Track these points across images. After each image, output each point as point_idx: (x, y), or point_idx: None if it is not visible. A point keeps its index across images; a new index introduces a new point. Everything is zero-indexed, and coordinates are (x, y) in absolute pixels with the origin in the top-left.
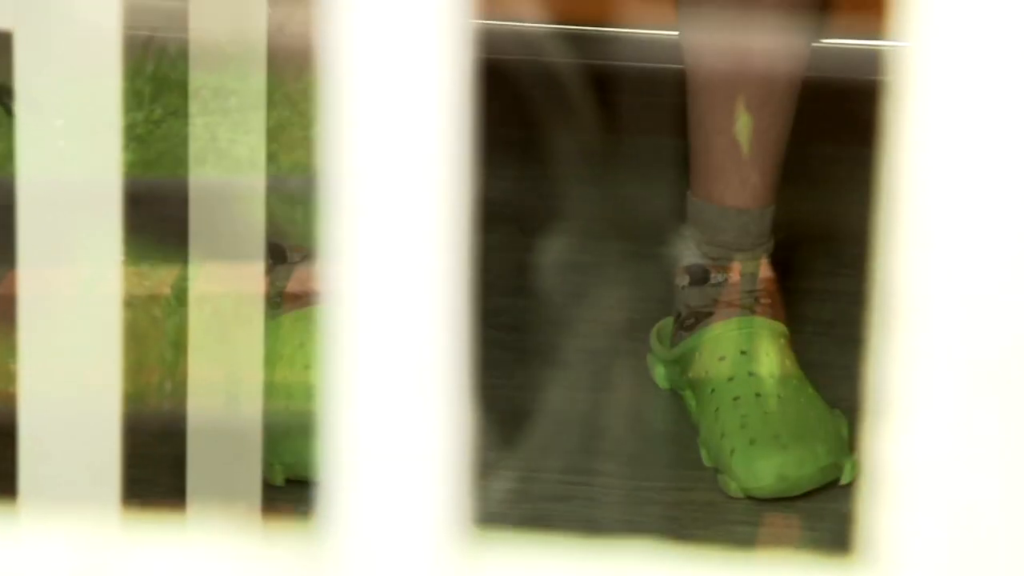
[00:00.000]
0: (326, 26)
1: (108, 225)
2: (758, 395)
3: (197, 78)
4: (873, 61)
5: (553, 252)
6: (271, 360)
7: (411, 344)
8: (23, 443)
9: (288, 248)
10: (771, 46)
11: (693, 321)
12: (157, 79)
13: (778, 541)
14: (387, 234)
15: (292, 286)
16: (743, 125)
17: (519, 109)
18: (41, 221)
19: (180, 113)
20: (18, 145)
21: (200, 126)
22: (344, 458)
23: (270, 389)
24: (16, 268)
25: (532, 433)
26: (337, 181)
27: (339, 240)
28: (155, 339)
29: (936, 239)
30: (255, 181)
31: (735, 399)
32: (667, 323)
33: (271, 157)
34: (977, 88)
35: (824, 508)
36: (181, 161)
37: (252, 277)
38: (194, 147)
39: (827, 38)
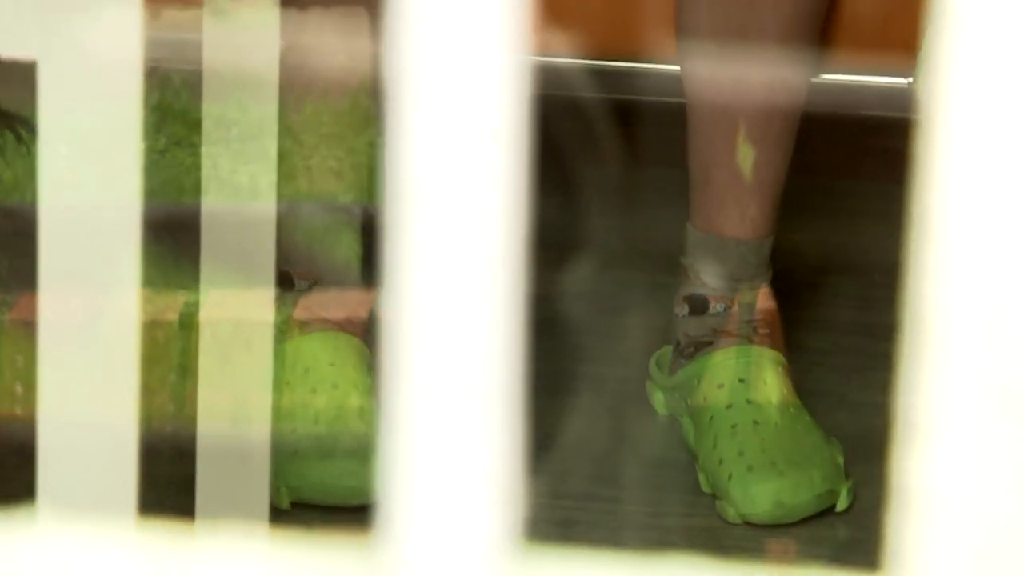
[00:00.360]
0: (389, 63)
1: (127, 251)
2: (756, 423)
3: (207, 108)
4: (877, 97)
5: (559, 280)
6: (276, 386)
7: (467, 365)
8: (41, 463)
9: (295, 275)
10: (771, 79)
11: (692, 350)
12: (162, 109)
13: (775, 566)
14: (446, 259)
15: (298, 313)
16: (743, 156)
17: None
18: (61, 246)
19: (184, 143)
20: (39, 171)
21: (204, 155)
22: (401, 474)
23: (275, 414)
24: (29, 291)
25: (530, 459)
26: (398, 210)
27: (399, 265)
28: (160, 364)
29: (961, 264)
30: (265, 209)
31: (733, 426)
32: (666, 351)
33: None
34: (999, 119)
35: (820, 535)
36: (184, 190)
37: (261, 303)
38: (198, 176)
39: (832, 74)
